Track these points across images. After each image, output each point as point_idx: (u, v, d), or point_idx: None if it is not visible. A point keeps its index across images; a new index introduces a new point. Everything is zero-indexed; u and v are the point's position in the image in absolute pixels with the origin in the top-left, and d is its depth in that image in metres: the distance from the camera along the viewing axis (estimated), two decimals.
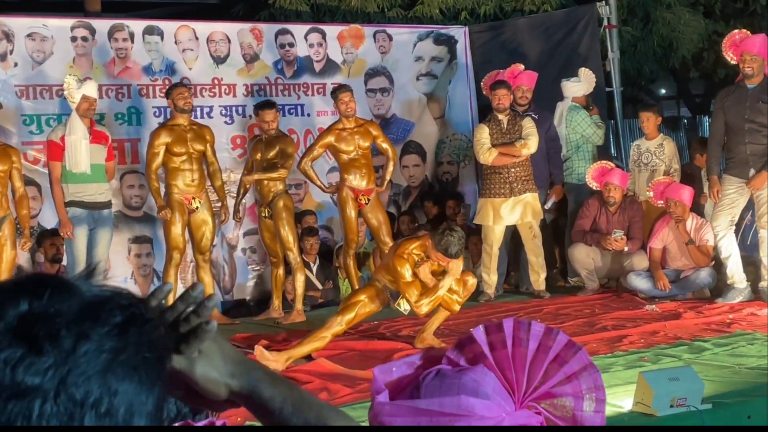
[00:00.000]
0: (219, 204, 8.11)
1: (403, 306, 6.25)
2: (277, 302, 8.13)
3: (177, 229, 7.68)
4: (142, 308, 0.97)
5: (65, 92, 7.57)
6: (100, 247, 7.62)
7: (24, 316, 0.90)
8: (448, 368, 1.81)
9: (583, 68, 9.37)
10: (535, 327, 1.85)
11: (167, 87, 8.18)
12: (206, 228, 7.85)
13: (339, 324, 6.12)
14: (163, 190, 7.76)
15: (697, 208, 8.45)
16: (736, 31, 7.88)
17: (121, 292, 0.98)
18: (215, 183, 8.03)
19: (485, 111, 9.18)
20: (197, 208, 7.76)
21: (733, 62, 7.73)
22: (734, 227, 7.78)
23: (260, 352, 5.90)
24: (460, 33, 10.61)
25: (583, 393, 1.82)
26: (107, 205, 7.73)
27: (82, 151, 7.41)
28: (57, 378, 0.89)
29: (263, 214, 8.02)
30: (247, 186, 8.16)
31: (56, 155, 7.48)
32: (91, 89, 7.51)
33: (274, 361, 5.86)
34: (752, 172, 7.55)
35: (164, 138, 7.63)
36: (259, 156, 8.02)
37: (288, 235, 7.85)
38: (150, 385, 0.94)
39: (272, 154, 7.92)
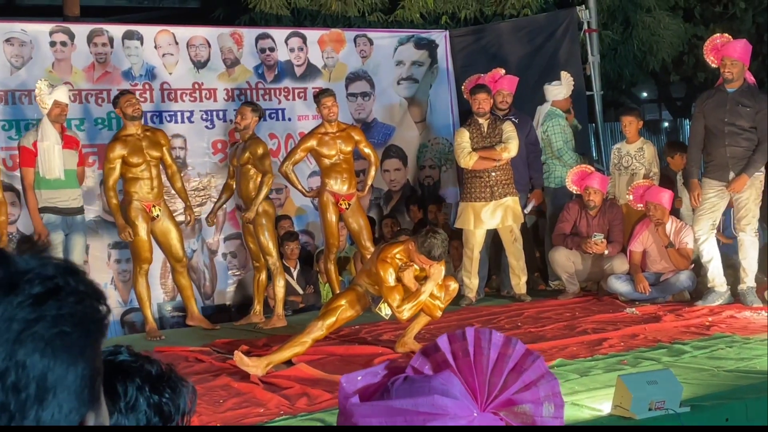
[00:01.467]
0: (183, 206, 8.05)
1: (384, 310, 6.24)
2: (258, 307, 8.11)
3: (143, 237, 7.55)
4: (72, 280, 0.92)
5: (36, 98, 7.50)
6: (76, 253, 7.57)
7: None
8: (415, 375, 1.82)
9: (563, 71, 9.40)
10: (495, 336, 1.86)
11: (114, 96, 8.00)
12: (171, 235, 7.77)
13: (319, 329, 6.10)
14: (120, 198, 7.67)
15: (674, 211, 8.49)
16: (718, 35, 7.92)
17: (54, 262, 0.92)
18: (176, 185, 7.93)
19: (466, 115, 9.19)
20: (157, 215, 7.69)
21: (714, 65, 7.76)
22: (715, 230, 7.81)
23: (239, 358, 5.88)
24: (440, 37, 10.63)
25: (542, 399, 1.84)
26: (80, 210, 7.68)
27: (55, 156, 7.36)
28: None
29: (245, 221, 7.98)
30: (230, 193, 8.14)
31: (29, 161, 7.41)
32: (62, 95, 7.45)
33: (254, 366, 5.84)
34: (732, 175, 7.58)
35: (119, 151, 7.49)
36: (235, 161, 7.99)
37: (267, 240, 7.82)
38: (70, 360, 0.89)
39: (244, 157, 7.86)
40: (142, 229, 7.57)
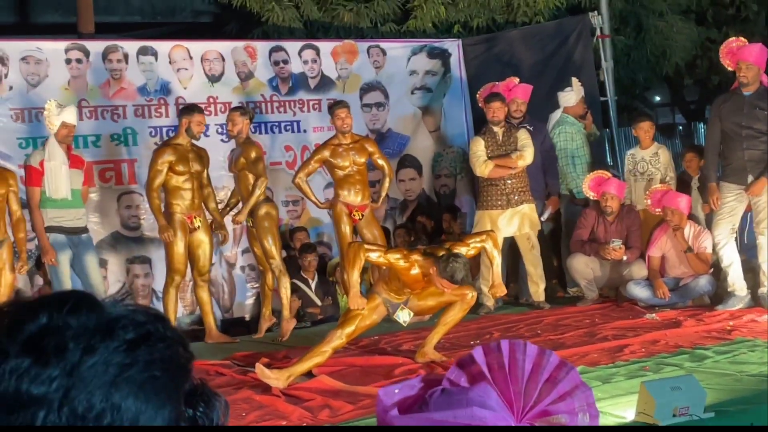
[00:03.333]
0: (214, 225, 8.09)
1: (402, 318, 6.24)
2: (266, 311, 8.08)
3: (180, 250, 7.63)
4: (161, 326, 0.97)
5: (45, 118, 7.52)
6: (92, 271, 7.56)
7: (40, 329, 0.91)
8: (452, 387, 1.82)
9: (573, 78, 9.39)
10: (529, 348, 1.86)
11: (185, 105, 8.10)
12: (204, 248, 7.83)
13: (339, 338, 6.10)
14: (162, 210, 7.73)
15: (693, 216, 8.46)
16: (733, 38, 7.90)
17: (143, 309, 0.98)
18: (210, 205, 7.98)
19: (480, 124, 9.19)
20: (198, 226, 7.74)
21: (731, 69, 7.75)
22: (735, 234, 7.78)
23: (261, 371, 5.89)
24: (453, 46, 10.64)
25: (577, 410, 1.83)
26: (85, 230, 7.65)
27: (62, 176, 7.37)
28: (61, 390, 0.89)
29: (248, 224, 7.97)
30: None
31: (35, 181, 7.41)
32: (70, 116, 7.47)
33: (276, 379, 5.84)
34: (750, 178, 7.55)
35: (168, 156, 7.57)
36: (233, 168, 8.00)
37: (270, 243, 7.78)
38: (159, 403, 0.93)
39: (240, 162, 7.84)
40: (181, 241, 7.61)
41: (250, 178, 7.78)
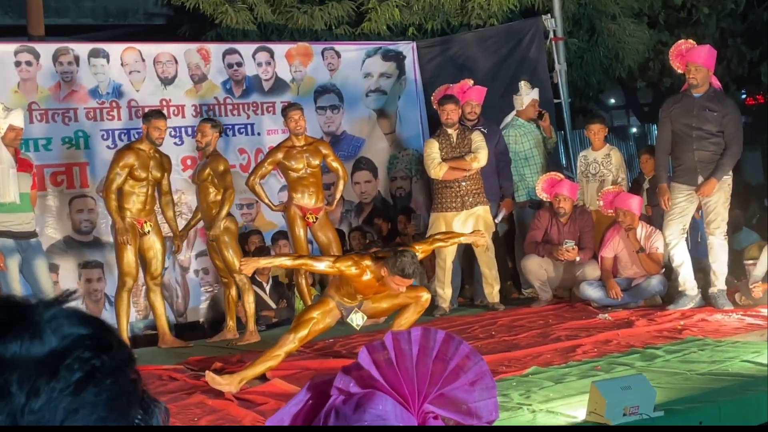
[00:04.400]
0: (170, 234, 8.05)
1: (356, 321, 6.23)
2: (231, 323, 8.07)
3: (130, 254, 7.59)
4: (106, 358, 0.93)
5: None
6: (41, 276, 7.44)
7: None
8: (342, 403, 1.79)
9: (522, 81, 9.44)
10: (414, 333, 1.83)
11: (148, 111, 8.04)
12: (156, 251, 7.78)
13: (292, 342, 6.07)
14: None
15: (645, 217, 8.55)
16: (682, 41, 7.98)
17: (88, 335, 0.93)
18: (167, 213, 7.94)
19: (435, 126, 9.22)
20: (148, 231, 7.69)
21: (680, 71, 7.83)
22: (686, 234, 7.87)
23: (211, 378, 5.84)
24: (408, 48, 10.66)
25: (472, 384, 1.81)
26: (34, 234, 7.53)
27: (9, 180, 7.27)
28: None
29: (209, 238, 7.95)
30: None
31: None
32: (17, 119, 7.36)
33: (227, 384, 5.80)
34: (700, 179, 7.64)
35: (129, 160, 7.52)
36: (196, 179, 7.98)
37: (232, 257, 7.77)
38: None
39: (204, 173, 7.82)
40: (131, 245, 7.56)
41: (211, 190, 7.77)
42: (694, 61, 7.60)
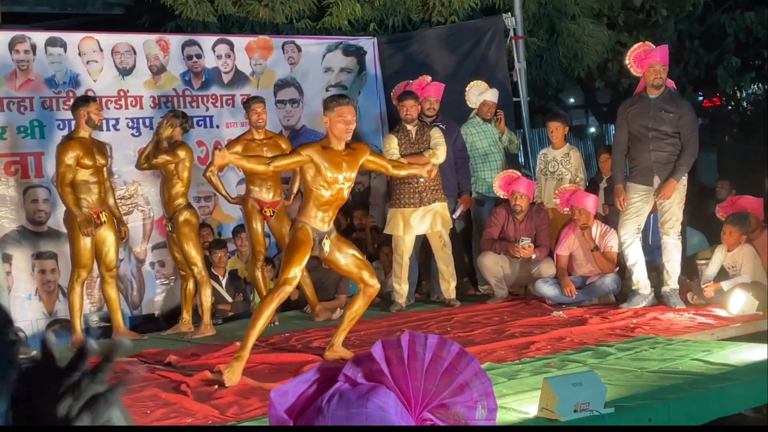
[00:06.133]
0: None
1: (326, 247, 6.14)
2: (187, 316, 8.03)
3: (87, 245, 7.52)
4: None
5: None
6: None
7: None
8: (348, 389, 1.81)
9: (476, 80, 9.47)
10: (430, 339, 1.86)
11: (78, 98, 7.97)
12: (109, 242, 7.71)
13: (283, 289, 6.00)
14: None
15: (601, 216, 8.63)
16: (639, 43, 8.06)
17: None
18: (108, 200, 7.86)
19: (395, 122, 9.23)
20: (104, 222, 7.64)
21: (637, 74, 7.88)
22: (640, 234, 7.95)
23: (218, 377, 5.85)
24: (369, 44, 10.66)
25: (475, 401, 1.84)
26: None
27: None
28: None
29: (168, 229, 7.92)
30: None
31: None
32: None
33: (228, 378, 5.81)
34: (656, 179, 7.70)
35: (76, 150, 7.48)
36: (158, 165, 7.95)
37: (191, 250, 7.75)
38: None
39: (170, 164, 7.82)
40: (87, 236, 7.50)
41: (175, 180, 7.80)
42: (658, 61, 7.67)
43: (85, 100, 7.73)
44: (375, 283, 6.33)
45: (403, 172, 6.83)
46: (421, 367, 1.80)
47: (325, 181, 6.01)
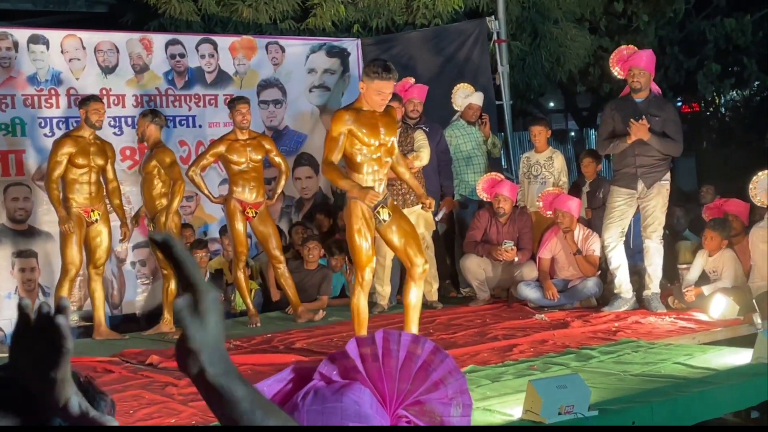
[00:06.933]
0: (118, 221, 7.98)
1: (383, 216, 6.05)
2: (168, 316, 7.99)
3: (75, 244, 7.50)
4: None
5: None
6: None
7: None
8: (323, 386, 1.81)
9: (460, 84, 9.49)
10: (404, 336, 1.86)
11: (83, 97, 7.93)
12: (101, 240, 7.70)
13: (361, 286, 5.98)
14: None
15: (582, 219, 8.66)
16: (624, 46, 8.09)
17: None
18: (114, 201, 7.88)
19: None
20: (96, 220, 7.62)
21: (620, 77, 7.91)
22: (623, 238, 7.97)
23: None
24: (352, 45, 10.66)
25: (450, 398, 1.84)
26: None
27: None
28: None
29: (150, 229, 7.90)
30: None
31: None
32: None
33: None
34: (640, 184, 7.71)
35: (68, 148, 7.47)
36: (142, 169, 7.93)
37: None
38: None
39: (150, 165, 7.80)
40: (76, 235, 7.49)
41: (156, 182, 7.82)
42: (637, 64, 7.69)
43: (86, 99, 7.73)
44: (419, 263, 6.08)
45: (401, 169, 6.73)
46: (395, 365, 1.80)
47: (364, 145, 5.97)
